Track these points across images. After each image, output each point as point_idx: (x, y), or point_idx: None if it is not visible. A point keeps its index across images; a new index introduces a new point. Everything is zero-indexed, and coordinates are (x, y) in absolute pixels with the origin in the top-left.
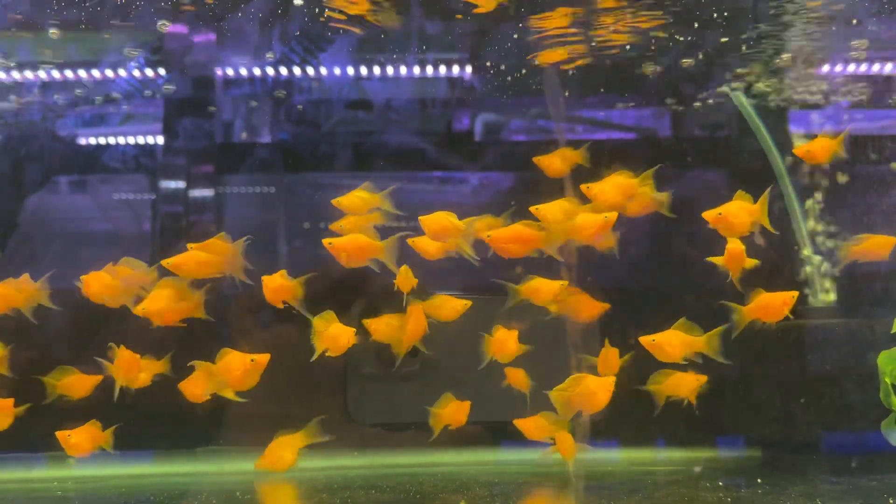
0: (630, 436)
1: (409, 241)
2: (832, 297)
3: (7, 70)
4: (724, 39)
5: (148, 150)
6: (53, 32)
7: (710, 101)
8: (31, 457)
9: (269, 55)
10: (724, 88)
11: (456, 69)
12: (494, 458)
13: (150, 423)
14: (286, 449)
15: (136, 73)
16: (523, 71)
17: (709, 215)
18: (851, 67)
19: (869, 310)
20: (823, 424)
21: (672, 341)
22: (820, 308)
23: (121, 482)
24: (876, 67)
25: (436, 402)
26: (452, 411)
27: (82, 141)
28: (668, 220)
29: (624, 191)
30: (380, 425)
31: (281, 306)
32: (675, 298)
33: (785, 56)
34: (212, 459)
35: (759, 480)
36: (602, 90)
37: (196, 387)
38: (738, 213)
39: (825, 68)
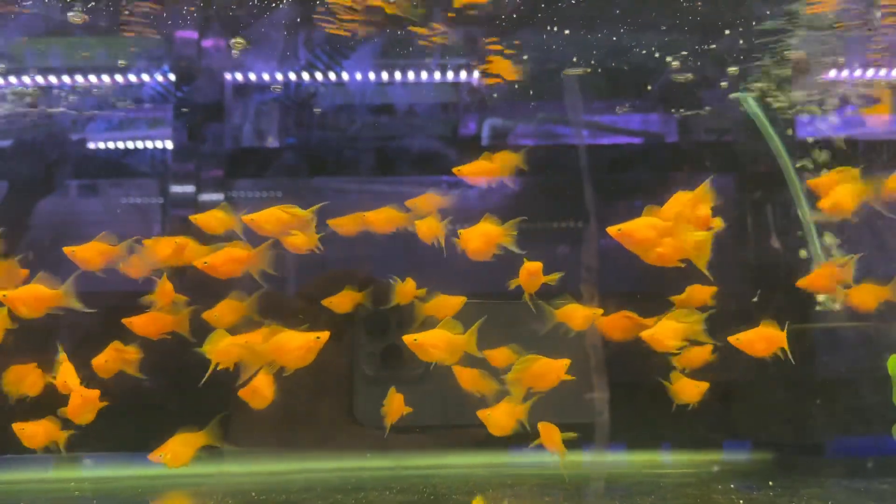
0: (641, 439)
1: (199, 264)
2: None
3: (19, 75)
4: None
5: (158, 154)
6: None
7: (717, 105)
8: (47, 457)
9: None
10: (735, 93)
11: (464, 74)
12: (505, 460)
13: (164, 423)
14: (184, 446)
15: (146, 77)
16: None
17: (611, 230)
18: (857, 73)
19: (881, 313)
20: (835, 427)
21: (435, 342)
22: (832, 312)
23: (136, 482)
24: (883, 72)
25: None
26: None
27: (94, 145)
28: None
29: (489, 239)
30: (383, 427)
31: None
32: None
33: (793, 61)
34: (226, 460)
35: (770, 483)
36: (610, 94)
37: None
38: (642, 229)
39: (832, 73)
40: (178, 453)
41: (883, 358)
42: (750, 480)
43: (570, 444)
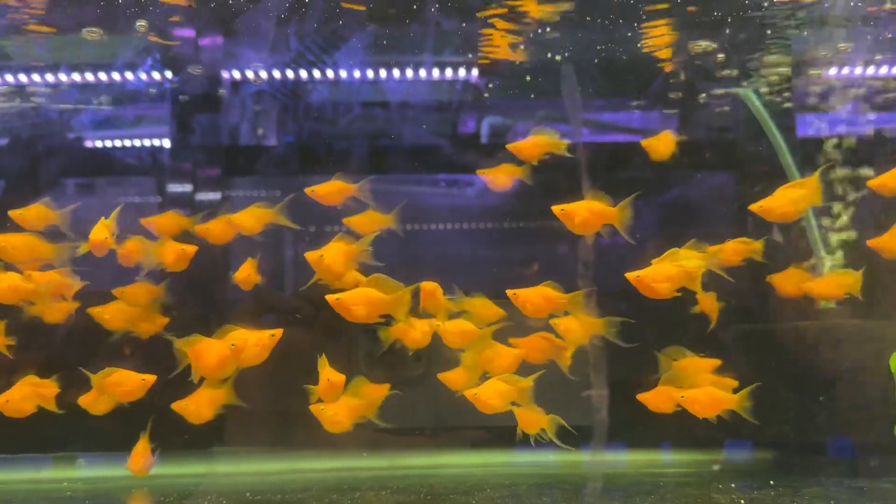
0: (640, 438)
1: None
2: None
3: (15, 72)
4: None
5: (154, 152)
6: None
7: (719, 101)
8: (39, 458)
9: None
10: (736, 89)
11: (462, 72)
12: (502, 460)
13: (160, 423)
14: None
15: (144, 75)
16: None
17: (556, 209)
18: (857, 70)
19: (884, 311)
20: (837, 426)
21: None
22: (834, 309)
23: (130, 482)
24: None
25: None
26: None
27: (90, 143)
28: (678, 224)
29: (347, 257)
30: (386, 429)
31: None
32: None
33: (796, 57)
34: (221, 460)
35: (771, 482)
36: (610, 92)
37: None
38: (581, 211)
39: (833, 71)
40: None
41: (885, 356)
42: (751, 480)
43: (569, 443)
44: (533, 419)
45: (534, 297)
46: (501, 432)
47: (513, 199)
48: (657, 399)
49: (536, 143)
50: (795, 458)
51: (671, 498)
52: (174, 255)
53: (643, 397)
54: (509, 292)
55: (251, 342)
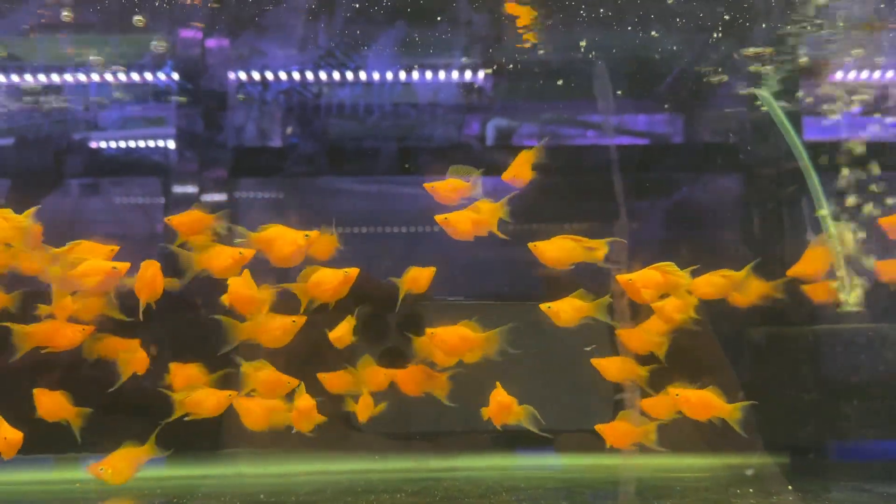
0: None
1: None
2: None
3: (21, 72)
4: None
5: (160, 153)
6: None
7: (728, 104)
8: (46, 458)
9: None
10: (752, 89)
11: (468, 74)
12: (519, 464)
13: (169, 424)
14: (126, 461)
15: (149, 76)
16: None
17: (438, 218)
18: (865, 74)
19: None
20: (858, 430)
21: None
22: (852, 313)
23: (141, 483)
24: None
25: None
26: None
27: (95, 144)
28: (680, 227)
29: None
30: (386, 434)
31: None
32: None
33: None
34: (232, 462)
35: (789, 487)
36: (618, 92)
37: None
38: (460, 219)
39: (839, 74)
40: (119, 469)
41: None
42: (768, 484)
43: (592, 448)
44: (506, 409)
45: (449, 337)
46: (517, 436)
47: (518, 201)
48: (614, 433)
49: (452, 186)
50: (815, 462)
51: (689, 502)
52: (230, 260)
53: (601, 429)
54: (427, 331)
55: (275, 325)
